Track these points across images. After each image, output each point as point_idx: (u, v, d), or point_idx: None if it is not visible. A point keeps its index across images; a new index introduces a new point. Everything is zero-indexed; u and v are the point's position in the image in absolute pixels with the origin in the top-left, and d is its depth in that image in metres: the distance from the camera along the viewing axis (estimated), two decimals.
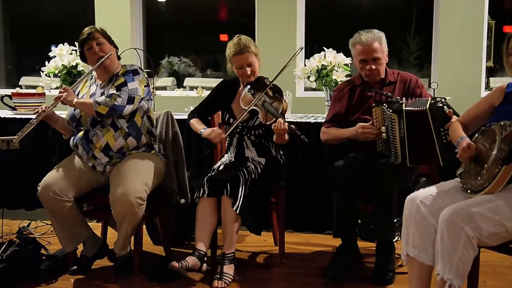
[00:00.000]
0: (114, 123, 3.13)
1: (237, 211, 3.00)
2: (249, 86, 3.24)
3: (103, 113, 3.02)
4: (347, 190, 3.02)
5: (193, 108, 3.50)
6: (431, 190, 2.51)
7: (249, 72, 3.23)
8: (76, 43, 4.34)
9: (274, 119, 3.04)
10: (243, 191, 3.04)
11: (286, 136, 3.14)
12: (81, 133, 3.18)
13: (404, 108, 2.93)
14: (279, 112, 3.08)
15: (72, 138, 3.24)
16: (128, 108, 3.08)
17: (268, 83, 3.20)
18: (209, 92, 3.52)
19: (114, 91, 3.07)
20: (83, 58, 3.29)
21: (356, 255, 3.18)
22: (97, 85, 3.26)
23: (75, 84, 3.24)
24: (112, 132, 3.12)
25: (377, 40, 3.11)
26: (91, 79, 3.35)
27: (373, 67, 3.14)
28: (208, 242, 3.10)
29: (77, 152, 3.21)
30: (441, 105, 2.85)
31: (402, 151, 2.96)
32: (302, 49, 3.29)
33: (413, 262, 2.48)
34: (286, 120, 3.06)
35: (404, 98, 3.02)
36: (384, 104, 3.00)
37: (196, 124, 3.27)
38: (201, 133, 3.19)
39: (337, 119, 3.28)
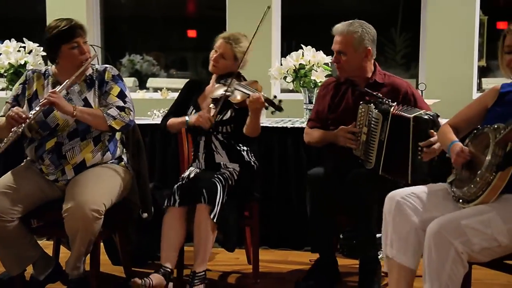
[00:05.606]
0: (99, 136, 3.05)
1: (214, 220, 3.01)
2: (221, 80, 3.32)
3: (117, 128, 2.99)
4: (322, 199, 3.07)
5: (165, 113, 3.56)
6: (414, 188, 2.58)
7: (214, 58, 3.33)
8: (25, 39, 4.34)
9: (248, 96, 3.09)
10: (220, 198, 3.05)
11: (259, 123, 3.17)
12: (51, 144, 3.01)
13: (391, 110, 2.98)
14: (255, 90, 3.14)
15: (34, 148, 3.05)
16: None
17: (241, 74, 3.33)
18: (176, 93, 3.56)
19: (120, 102, 3.01)
20: (53, 55, 3.02)
21: (334, 273, 3.20)
22: (63, 86, 2.98)
23: (62, 88, 2.97)
24: (92, 147, 3.03)
25: (348, 33, 3.15)
26: (46, 76, 3.11)
27: (337, 59, 3.19)
28: (175, 259, 3.12)
29: (31, 163, 3.09)
30: (426, 117, 2.91)
31: (377, 157, 3.02)
32: (269, 8, 3.23)
33: (391, 263, 2.54)
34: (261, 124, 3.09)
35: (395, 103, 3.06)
36: (372, 104, 3.05)
37: (175, 120, 3.37)
38: (187, 123, 3.28)
39: (319, 117, 3.33)
